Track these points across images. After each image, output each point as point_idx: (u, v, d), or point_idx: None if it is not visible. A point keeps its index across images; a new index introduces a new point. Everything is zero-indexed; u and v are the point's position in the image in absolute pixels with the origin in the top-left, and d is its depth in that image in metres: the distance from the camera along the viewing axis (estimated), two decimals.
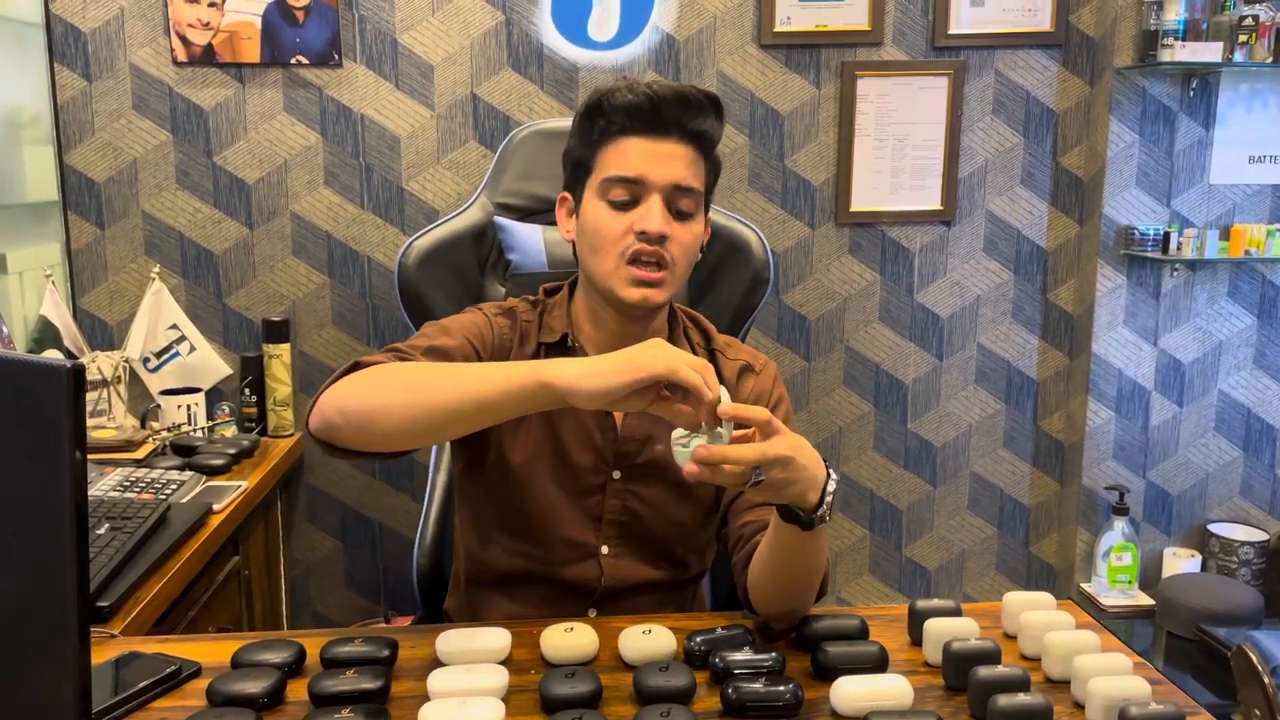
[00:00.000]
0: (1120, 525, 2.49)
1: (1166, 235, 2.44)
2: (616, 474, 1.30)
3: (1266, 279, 2.58)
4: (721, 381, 1.30)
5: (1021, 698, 0.98)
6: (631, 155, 1.22)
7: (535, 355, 1.30)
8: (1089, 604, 2.51)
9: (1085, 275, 2.57)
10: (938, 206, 2.53)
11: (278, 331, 2.35)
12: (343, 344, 2.46)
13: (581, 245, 1.28)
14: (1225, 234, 2.50)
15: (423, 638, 1.16)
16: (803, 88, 2.47)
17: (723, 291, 1.75)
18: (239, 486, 1.87)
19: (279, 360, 2.35)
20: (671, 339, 1.33)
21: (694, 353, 1.34)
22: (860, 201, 2.52)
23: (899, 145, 2.50)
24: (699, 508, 1.34)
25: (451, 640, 1.13)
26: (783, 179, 2.50)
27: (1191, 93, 2.47)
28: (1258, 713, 1.72)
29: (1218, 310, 2.58)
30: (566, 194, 1.32)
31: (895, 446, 2.64)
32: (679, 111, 1.22)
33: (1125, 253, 2.50)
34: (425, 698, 1.01)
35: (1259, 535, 2.58)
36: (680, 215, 1.23)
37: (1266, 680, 1.67)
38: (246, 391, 2.35)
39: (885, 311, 2.58)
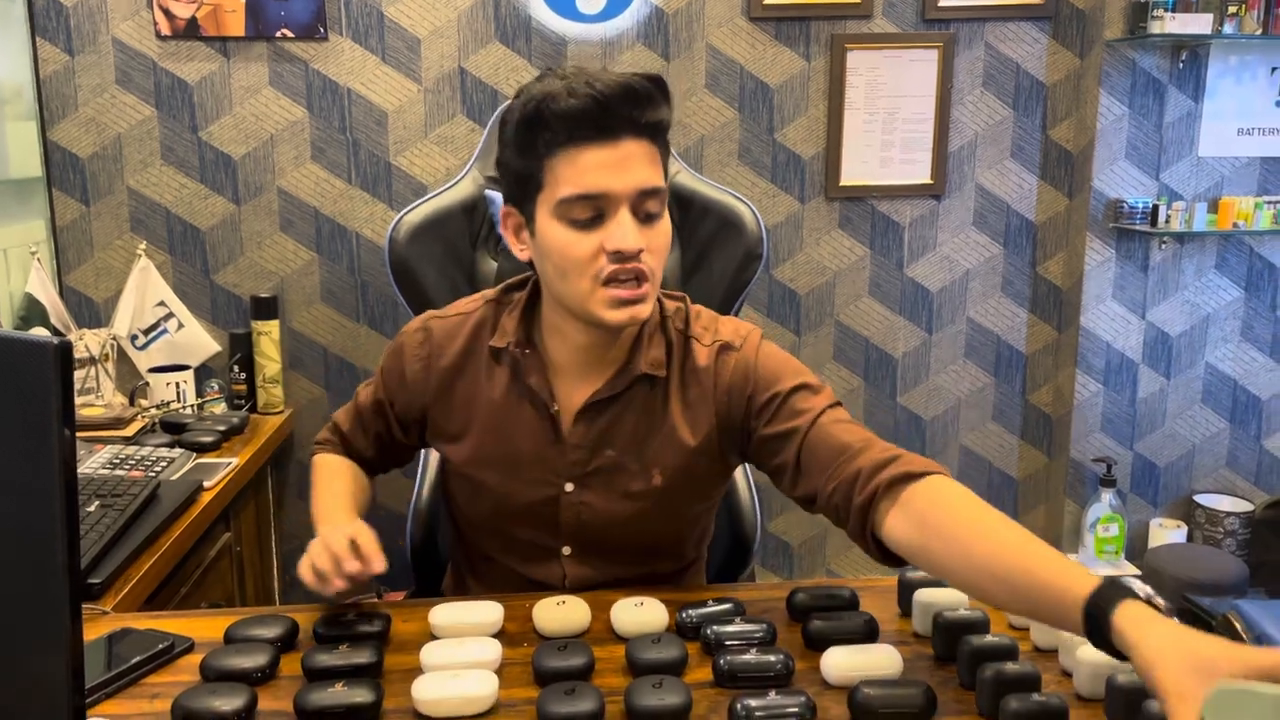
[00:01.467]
0: (1107, 497, 2.51)
1: (1155, 208, 2.44)
2: (569, 486, 1.22)
3: (1254, 251, 2.58)
4: (693, 371, 1.21)
5: (1010, 666, 0.98)
6: (587, 168, 1.08)
7: (489, 359, 1.23)
8: None
9: (1074, 248, 2.57)
10: (927, 180, 2.53)
11: (266, 308, 2.34)
12: (332, 321, 2.45)
13: (545, 268, 1.16)
14: (1214, 206, 2.50)
15: (415, 611, 1.17)
16: (792, 61, 2.46)
17: (715, 268, 1.74)
18: (229, 463, 1.87)
19: (268, 337, 2.34)
20: (646, 332, 1.21)
21: (669, 343, 1.22)
22: (850, 175, 2.51)
23: (889, 119, 2.49)
24: (672, 515, 1.26)
25: (444, 614, 1.13)
26: (772, 153, 2.49)
27: (1181, 65, 2.47)
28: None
29: (1206, 283, 2.59)
30: (511, 209, 1.17)
31: (885, 420, 2.64)
32: (630, 108, 1.08)
33: (1114, 226, 2.51)
34: (419, 670, 1.02)
35: (1244, 506, 2.60)
36: (649, 218, 1.12)
37: None
38: (235, 369, 2.34)
39: (875, 286, 2.59)
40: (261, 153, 2.37)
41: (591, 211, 1.09)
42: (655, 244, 1.12)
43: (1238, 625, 1.79)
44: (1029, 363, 2.66)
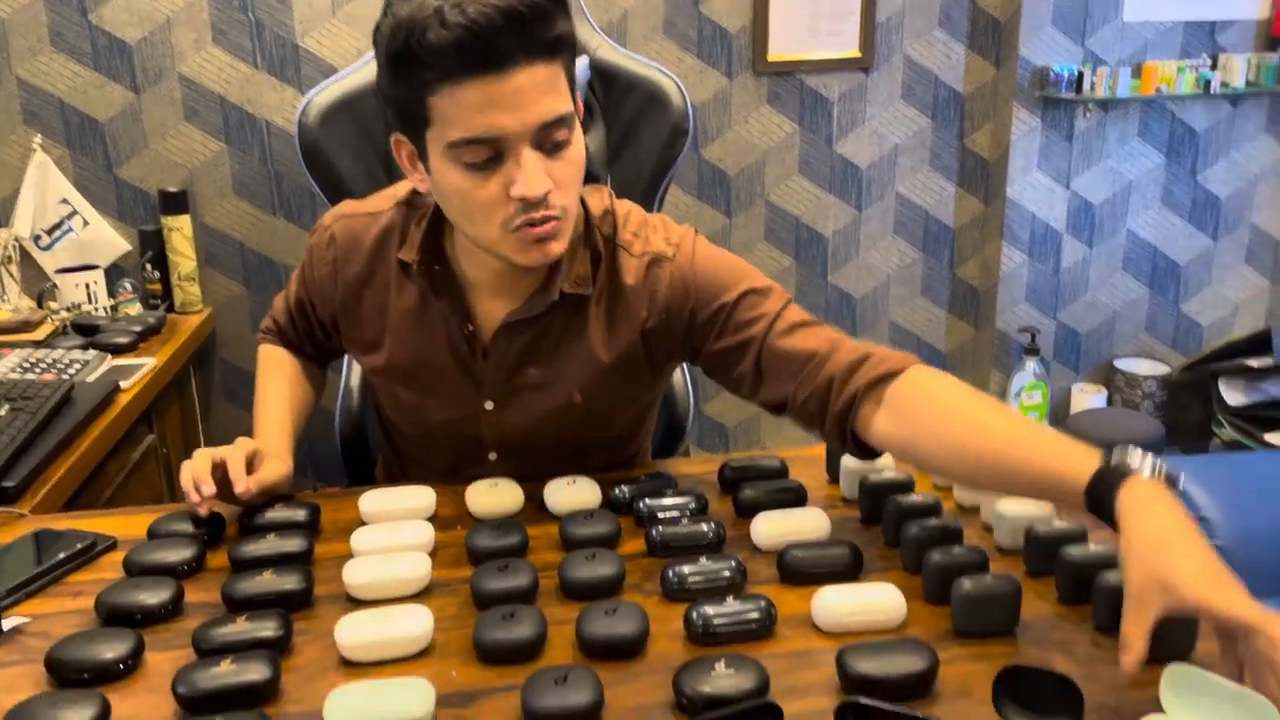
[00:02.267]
0: (1031, 365, 2.58)
1: (1080, 75, 2.44)
2: (489, 404, 1.17)
3: (1176, 117, 2.61)
4: (620, 287, 1.12)
5: (932, 522, 1.01)
6: (474, 107, 0.94)
7: (399, 270, 1.15)
8: None
9: (1001, 119, 2.57)
10: (855, 53, 2.49)
11: (176, 203, 2.24)
12: (247, 215, 2.36)
13: (447, 208, 1.06)
14: (1137, 72, 2.51)
15: (346, 501, 1.15)
16: None
17: (641, 145, 1.70)
18: (147, 364, 1.81)
19: (179, 233, 2.24)
20: (570, 245, 1.09)
21: (596, 253, 1.12)
22: (778, 49, 2.46)
23: None
24: (599, 425, 1.20)
25: (375, 500, 1.12)
26: (698, 26, 2.42)
27: None
28: None
29: (1128, 150, 2.61)
30: (401, 138, 1.04)
31: (816, 299, 2.66)
32: (516, 33, 0.92)
33: (1040, 94, 2.50)
34: (350, 557, 1.01)
35: (1162, 369, 2.69)
36: (556, 147, 0.99)
37: None
38: (148, 267, 2.25)
39: (805, 163, 2.56)
40: (158, 37, 2.24)
41: (488, 153, 0.96)
42: (565, 176, 1.00)
43: None
44: (956, 237, 2.68)
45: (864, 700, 0.75)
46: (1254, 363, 2.45)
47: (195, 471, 1.06)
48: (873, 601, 0.92)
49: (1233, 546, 1.60)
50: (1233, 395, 2.52)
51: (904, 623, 0.92)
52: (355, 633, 0.87)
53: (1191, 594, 0.73)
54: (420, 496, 1.13)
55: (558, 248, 1.03)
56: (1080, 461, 0.85)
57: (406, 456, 1.32)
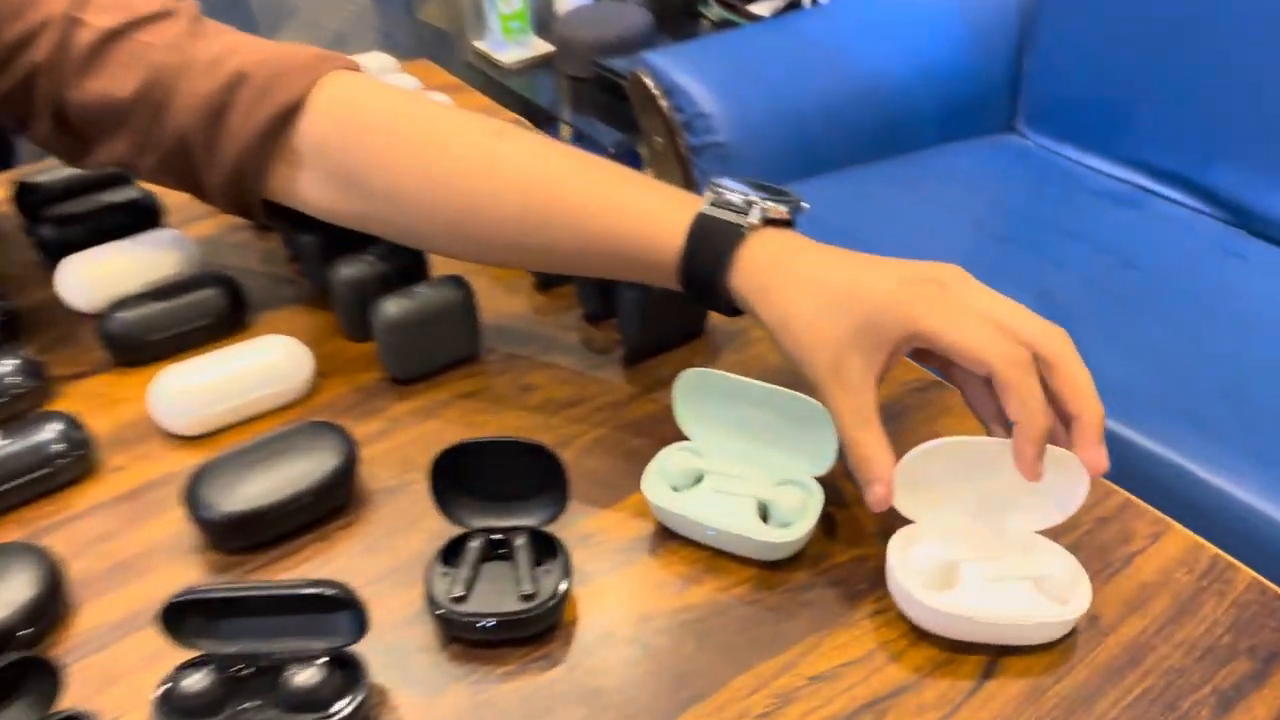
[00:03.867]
0: None
1: None
2: None
3: None
4: None
5: None
6: None
7: None
8: (488, 63, 2.28)
9: None
10: None
11: None
12: None
13: None
14: None
15: None
16: None
17: None
18: None
19: None
20: None
21: None
22: None
23: None
24: None
25: None
26: None
27: None
28: (659, 140, 1.65)
29: None
30: None
31: None
32: None
33: None
34: None
35: None
36: None
37: (663, 104, 1.58)
38: None
39: None
40: None
41: None
42: None
43: (648, 82, 1.65)
44: None
45: (193, 596, 0.41)
46: None
47: None
48: (252, 368, 0.57)
49: (734, 141, 1.44)
50: None
51: (310, 389, 0.58)
52: None
53: (905, 325, 0.45)
54: None
55: None
56: (653, 220, 0.51)
57: None
